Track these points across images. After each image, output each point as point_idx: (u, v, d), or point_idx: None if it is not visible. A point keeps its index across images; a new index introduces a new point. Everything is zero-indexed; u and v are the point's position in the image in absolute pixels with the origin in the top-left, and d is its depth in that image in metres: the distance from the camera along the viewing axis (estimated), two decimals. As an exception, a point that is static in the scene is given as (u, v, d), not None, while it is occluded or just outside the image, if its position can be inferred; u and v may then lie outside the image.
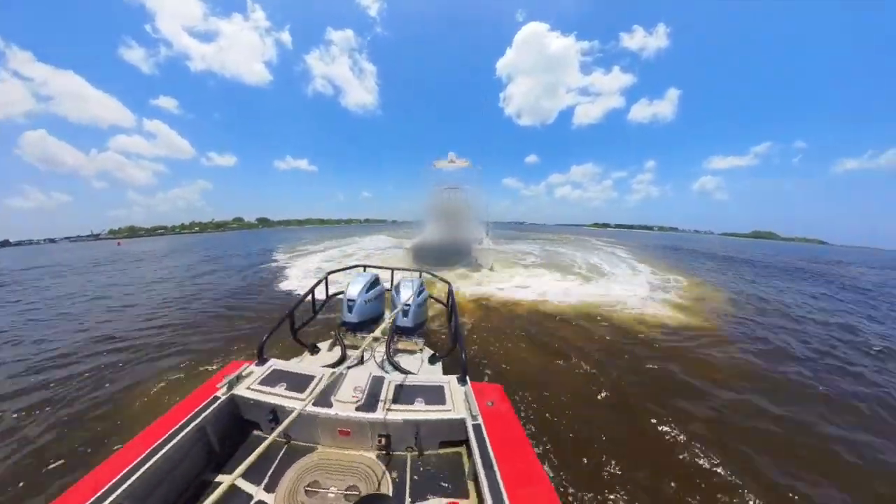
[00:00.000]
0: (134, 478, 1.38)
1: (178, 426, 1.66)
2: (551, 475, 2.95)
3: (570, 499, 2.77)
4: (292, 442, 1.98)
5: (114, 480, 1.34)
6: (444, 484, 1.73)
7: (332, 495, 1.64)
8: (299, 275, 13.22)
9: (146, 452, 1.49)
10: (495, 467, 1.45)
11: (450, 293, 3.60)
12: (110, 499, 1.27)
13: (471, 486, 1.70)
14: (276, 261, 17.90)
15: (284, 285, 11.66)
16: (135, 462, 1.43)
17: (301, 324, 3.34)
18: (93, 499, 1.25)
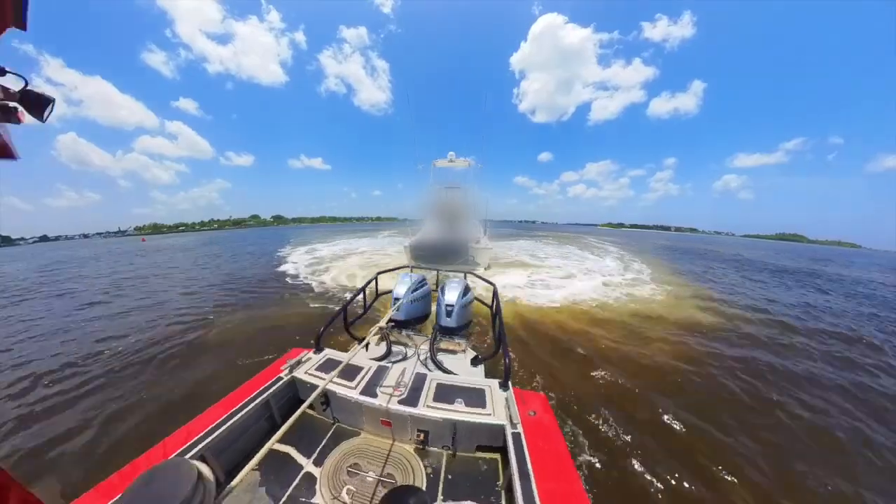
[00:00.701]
0: (213, 436, 1.66)
1: (248, 398, 1.96)
2: (593, 498, 2.78)
3: None
4: (339, 425, 2.17)
5: (200, 435, 1.65)
6: (476, 488, 1.73)
7: (370, 479, 1.75)
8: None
9: (224, 416, 1.78)
10: (532, 481, 1.41)
11: (494, 295, 3.57)
12: (196, 448, 1.58)
13: (504, 495, 1.68)
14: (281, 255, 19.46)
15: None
16: (215, 423, 1.73)
17: (353, 319, 3.63)
18: (185, 447, 1.58)
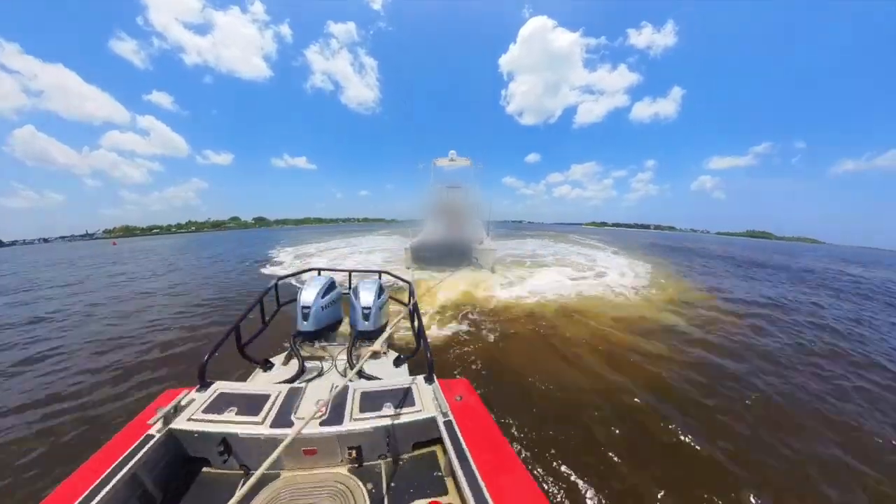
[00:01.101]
0: None
1: (100, 479, 1.38)
2: (525, 461, 2.99)
3: (545, 483, 2.89)
4: (251, 472, 1.74)
5: None
6: (422, 485, 1.70)
7: None
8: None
9: None
10: (470, 460, 1.46)
11: (411, 293, 3.51)
12: None
13: (449, 482, 1.69)
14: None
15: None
16: None
17: (249, 338, 2.96)
18: None
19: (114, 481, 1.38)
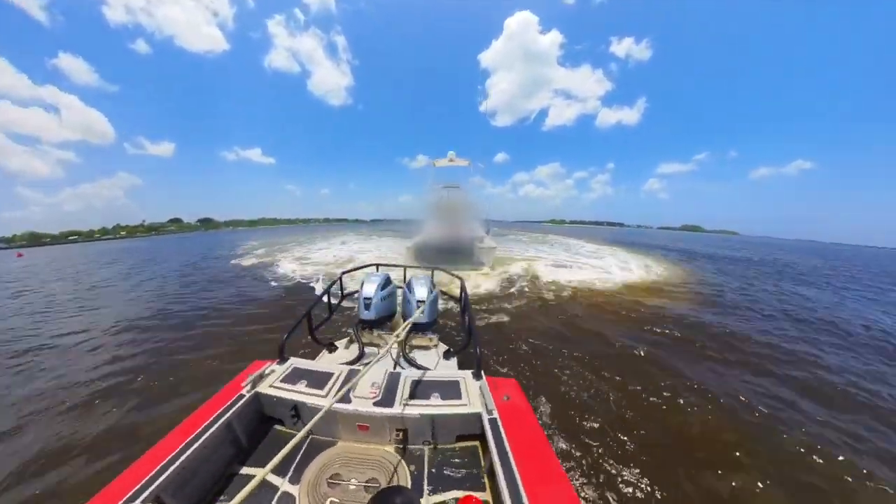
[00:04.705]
0: (168, 472, 1.48)
1: (207, 423, 1.79)
2: (570, 473, 2.93)
3: (590, 501, 2.70)
4: (314, 437, 2.10)
5: (150, 475, 1.45)
6: (460, 477, 1.78)
7: (353, 487, 1.72)
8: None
9: (179, 448, 1.61)
10: (512, 462, 1.47)
11: (462, 289, 3.59)
12: (149, 490, 1.37)
13: (487, 480, 1.74)
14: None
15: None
16: (168, 458, 1.54)
17: (318, 323, 3.47)
18: (134, 490, 1.35)
19: (215, 426, 1.77)
